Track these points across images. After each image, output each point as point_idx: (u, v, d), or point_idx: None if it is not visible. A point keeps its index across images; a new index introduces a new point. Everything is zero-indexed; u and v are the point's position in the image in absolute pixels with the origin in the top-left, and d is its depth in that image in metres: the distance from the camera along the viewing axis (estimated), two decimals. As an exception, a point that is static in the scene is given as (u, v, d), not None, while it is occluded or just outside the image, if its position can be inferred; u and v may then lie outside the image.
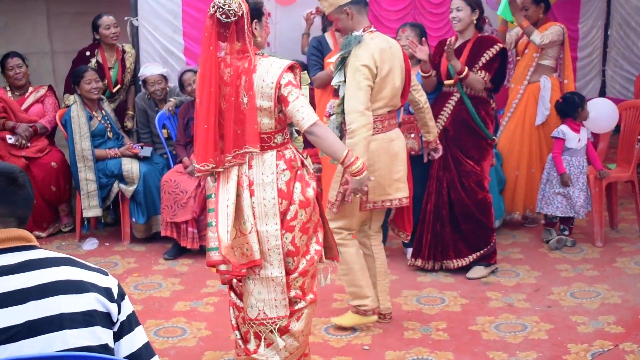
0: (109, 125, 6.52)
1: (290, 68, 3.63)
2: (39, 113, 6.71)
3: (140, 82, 6.73)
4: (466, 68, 5.43)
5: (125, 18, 6.94)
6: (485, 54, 5.48)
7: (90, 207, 6.35)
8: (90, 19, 6.89)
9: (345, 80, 4.45)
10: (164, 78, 6.63)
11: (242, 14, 3.54)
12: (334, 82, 4.56)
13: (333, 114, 4.61)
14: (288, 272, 3.66)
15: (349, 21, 4.48)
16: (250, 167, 3.61)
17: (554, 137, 6.15)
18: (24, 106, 6.64)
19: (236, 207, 3.58)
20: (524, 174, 6.55)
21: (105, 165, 6.38)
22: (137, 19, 6.93)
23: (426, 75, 5.55)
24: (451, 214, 5.60)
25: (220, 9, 3.52)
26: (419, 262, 5.67)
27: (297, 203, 3.64)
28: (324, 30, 6.68)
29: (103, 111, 6.54)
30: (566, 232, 6.19)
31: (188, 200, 5.99)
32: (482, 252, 5.57)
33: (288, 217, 3.63)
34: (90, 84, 6.35)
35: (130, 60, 6.96)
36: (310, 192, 3.69)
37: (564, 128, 6.12)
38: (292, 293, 3.69)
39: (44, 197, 6.54)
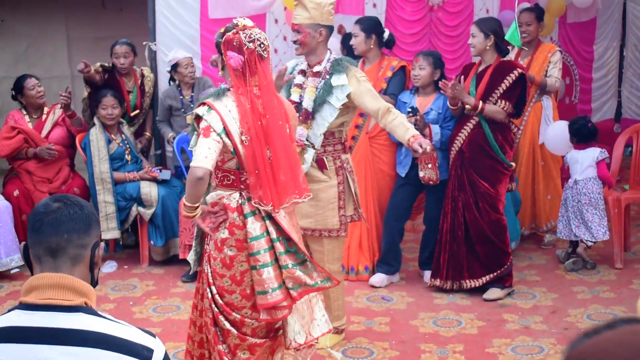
0: (128, 149, 6.60)
1: None
2: (62, 135, 6.73)
3: (169, 69, 6.75)
4: (480, 103, 5.45)
5: (144, 43, 7.04)
6: (504, 82, 5.50)
7: (109, 230, 6.41)
8: (110, 43, 6.99)
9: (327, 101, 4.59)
10: (192, 62, 6.71)
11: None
12: (308, 105, 4.66)
13: (309, 145, 4.65)
14: None
15: (316, 41, 4.63)
16: None
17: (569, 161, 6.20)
18: (44, 133, 6.64)
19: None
20: (529, 191, 6.67)
21: (124, 188, 6.45)
22: (155, 44, 7.03)
23: (454, 108, 5.62)
24: (466, 234, 5.63)
25: (262, 45, 3.56)
26: (437, 282, 5.70)
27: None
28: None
29: (122, 135, 6.62)
30: (577, 251, 6.17)
31: (206, 223, 6.04)
32: (496, 273, 5.58)
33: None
34: (106, 110, 6.43)
35: (149, 85, 7.04)
36: None
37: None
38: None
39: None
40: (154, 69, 7.09)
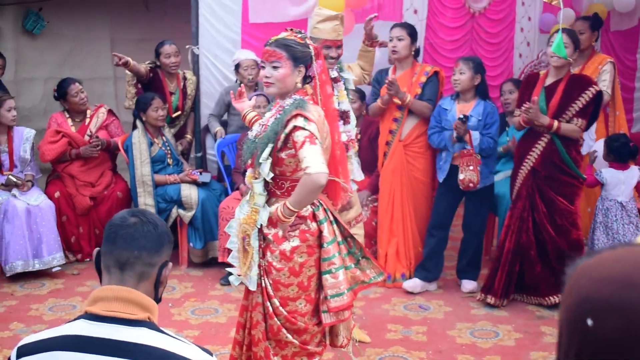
0: (169, 152, 6.68)
1: None
2: (106, 138, 6.82)
3: (233, 68, 6.85)
4: (555, 123, 5.32)
5: (187, 46, 7.11)
6: (580, 98, 5.35)
7: (149, 232, 6.47)
8: (152, 45, 7.07)
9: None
10: (257, 65, 6.74)
11: None
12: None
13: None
14: None
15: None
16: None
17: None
18: (87, 138, 6.74)
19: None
20: None
21: (165, 190, 6.53)
22: (198, 47, 7.09)
23: (526, 126, 5.55)
24: (539, 252, 5.52)
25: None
26: (491, 300, 5.60)
27: None
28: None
29: (164, 137, 6.69)
30: None
31: (245, 227, 6.09)
32: None
33: None
34: (157, 112, 6.50)
35: (192, 87, 7.11)
36: None
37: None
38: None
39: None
40: (196, 72, 7.17)
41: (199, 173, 6.66)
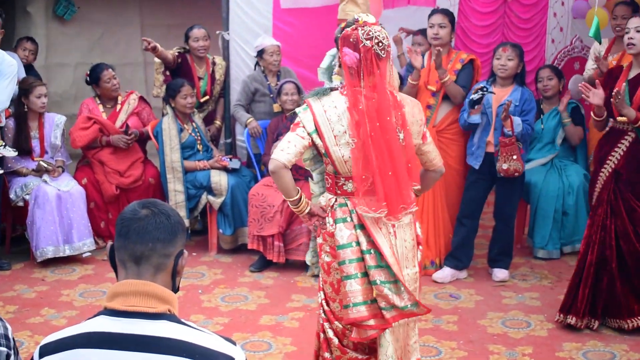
0: (199, 138, 6.66)
1: None
2: (137, 125, 6.82)
3: (255, 55, 6.80)
4: None
5: (217, 32, 7.08)
6: None
7: (178, 218, 6.47)
8: (182, 31, 7.05)
9: None
10: (280, 51, 6.72)
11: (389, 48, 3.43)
12: None
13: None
14: None
15: None
16: None
17: None
18: (118, 123, 6.73)
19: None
20: None
21: (195, 176, 6.52)
22: (228, 33, 7.06)
23: (600, 119, 4.99)
24: (619, 266, 4.86)
25: (380, 44, 3.33)
26: (571, 320, 4.90)
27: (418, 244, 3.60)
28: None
29: (193, 123, 6.68)
30: None
31: (275, 215, 6.07)
32: None
33: (418, 259, 3.58)
34: (186, 99, 6.48)
35: (220, 72, 7.08)
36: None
37: None
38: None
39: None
40: (226, 58, 7.14)
41: (229, 159, 6.64)
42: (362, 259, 3.40)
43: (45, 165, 6.36)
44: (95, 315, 2.07)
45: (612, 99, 4.71)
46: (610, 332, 4.91)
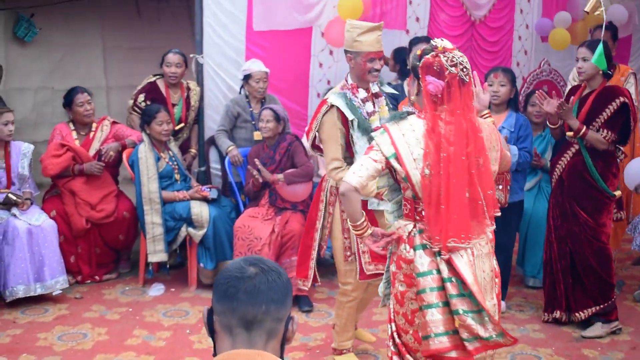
0: (177, 167, 6.34)
1: None
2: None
3: (242, 79, 6.52)
4: (584, 128, 5.15)
5: (191, 55, 6.78)
6: (606, 109, 5.16)
7: (156, 252, 6.13)
8: (146, 54, 6.79)
9: None
10: (267, 78, 6.48)
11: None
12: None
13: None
14: None
15: None
16: None
17: None
18: (92, 151, 6.36)
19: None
20: None
21: (173, 208, 6.17)
22: (202, 56, 6.77)
23: (554, 127, 5.40)
24: (571, 264, 5.38)
25: (464, 69, 3.25)
26: (557, 314, 5.45)
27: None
28: (403, 78, 6.56)
29: (170, 152, 6.35)
30: None
31: (262, 247, 5.78)
32: (601, 307, 5.32)
33: (496, 291, 3.43)
34: (161, 126, 6.17)
35: (195, 99, 6.78)
36: None
37: None
38: None
39: (109, 245, 6.41)
40: (200, 82, 6.84)
41: (209, 189, 6.32)
42: (443, 288, 3.25)
43: (14, 198, 5.93)
44: None
45: (556, 109, 5.17)
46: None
